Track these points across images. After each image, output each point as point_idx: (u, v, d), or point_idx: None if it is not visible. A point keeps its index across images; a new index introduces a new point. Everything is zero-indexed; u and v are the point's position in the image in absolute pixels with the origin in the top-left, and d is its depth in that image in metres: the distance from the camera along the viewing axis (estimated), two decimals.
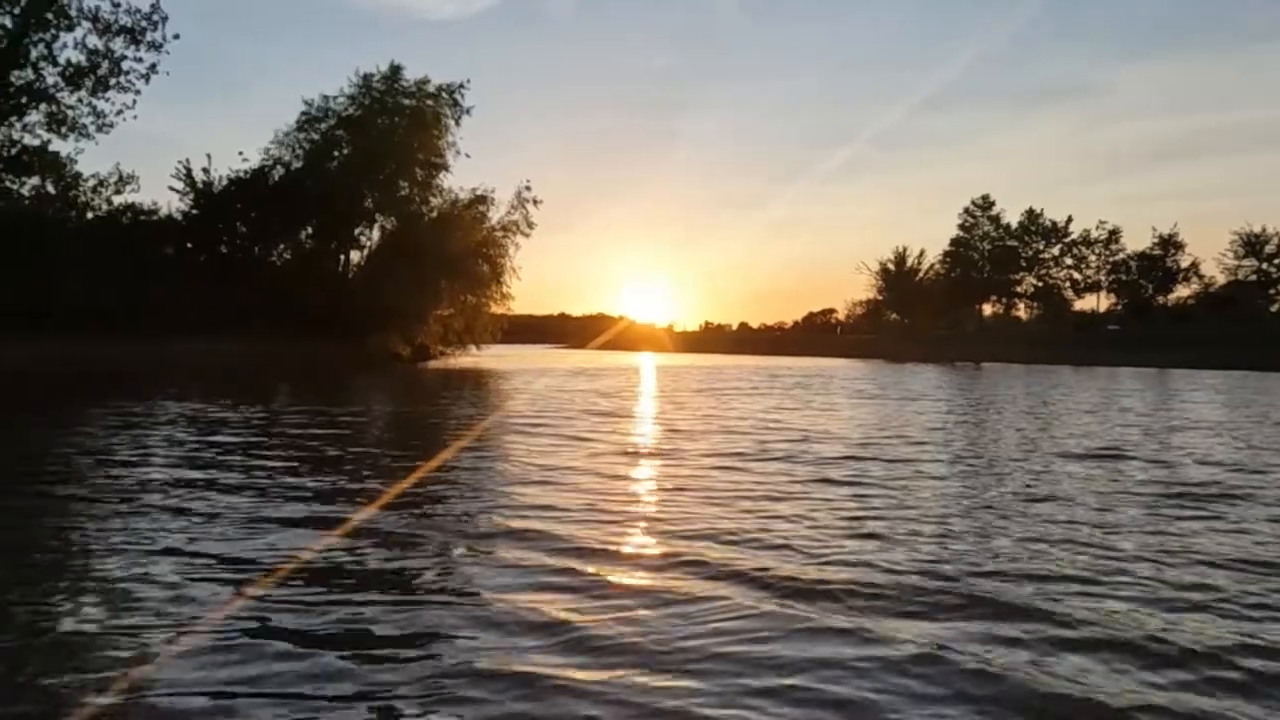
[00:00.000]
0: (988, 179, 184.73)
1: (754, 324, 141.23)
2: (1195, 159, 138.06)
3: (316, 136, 47.27)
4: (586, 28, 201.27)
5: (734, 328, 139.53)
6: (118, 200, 41.10)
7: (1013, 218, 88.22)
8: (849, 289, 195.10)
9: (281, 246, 46.70)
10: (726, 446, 11.49)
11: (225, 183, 45.05)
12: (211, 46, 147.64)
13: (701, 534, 6.27)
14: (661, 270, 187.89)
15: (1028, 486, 8.58)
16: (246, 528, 6.32)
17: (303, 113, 47.40)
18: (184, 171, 44.34)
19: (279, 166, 46.76)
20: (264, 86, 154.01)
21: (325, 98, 47.31)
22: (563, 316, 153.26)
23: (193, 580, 4.97)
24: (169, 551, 5.60)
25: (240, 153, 53.95)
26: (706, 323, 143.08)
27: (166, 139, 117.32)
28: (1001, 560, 5.63)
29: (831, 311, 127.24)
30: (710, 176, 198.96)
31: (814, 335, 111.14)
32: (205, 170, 44.75)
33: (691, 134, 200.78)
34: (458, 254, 45.21)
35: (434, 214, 48.01)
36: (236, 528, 6.31)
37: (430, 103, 47.39)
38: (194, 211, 44.25)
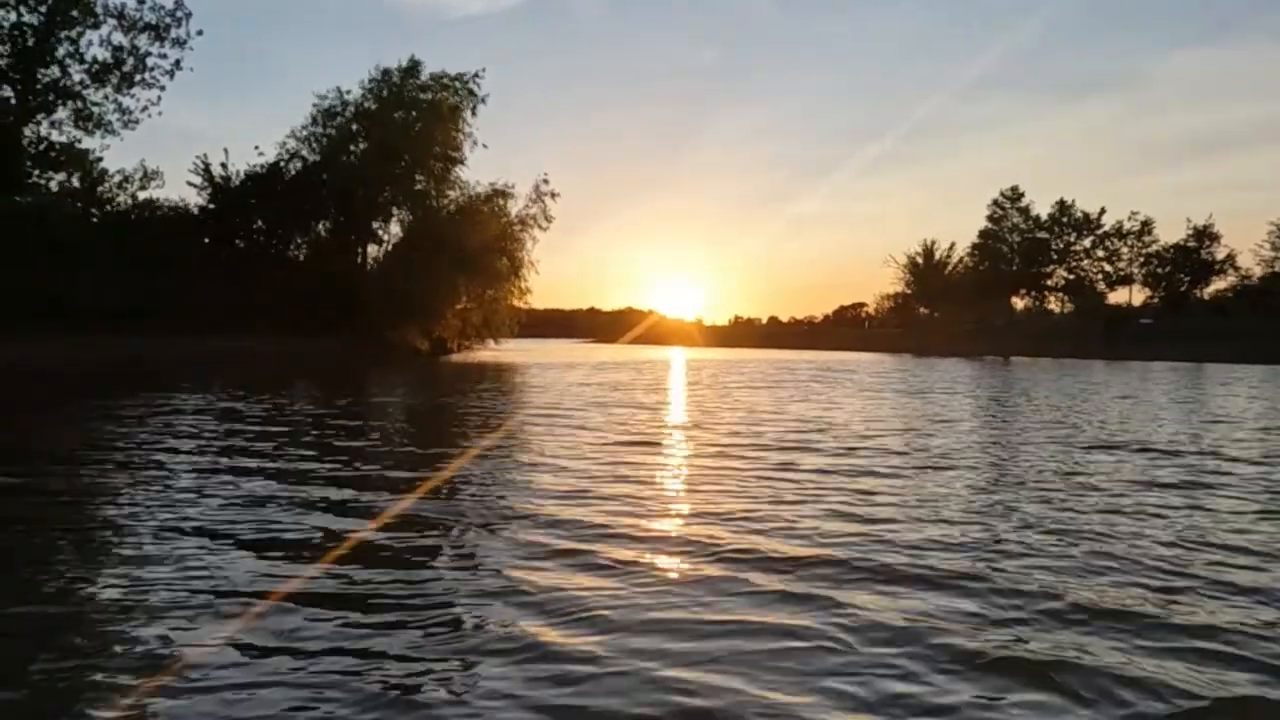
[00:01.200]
0: (1017, 172, 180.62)
1: (784, 318, 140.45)
2: (1232, 150, 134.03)
3: (333, 130, 47.36)
4: (615, 25, 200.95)
5: (763, 322, 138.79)
6: (142, 196, 41.56)
7: (1043, 210, 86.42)
8: (879, 283, 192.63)
9: (299, 241, 46.96)
10: (732, 439, 11.48)
11: (242, 177, 45.15)
12: (237, 43, 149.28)
13: (713, 518, 6.47)
14: (692, 265, 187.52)
15: (1028, 480, 8.29)
16: (272, 514, 6.43)
17: (314, 105, 47.64)
18: (202, 166, 44.56)
19: (295, 160, 46.94)
20: (290, 82, 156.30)
21: (340, 91, 47.51)
22: (592, 311, 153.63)
23: (230, 563, 5.10)
24: (202, 534, 5.75)
25: (256, 147, 54.10)
26: (736, 317, 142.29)
27: (194, 134, 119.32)
28: (989, 547, 5.67)
29: (861, 305, 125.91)
30: (740, 172, 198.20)
31: (843, 329, 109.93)
32: (223, 165, 44.98)
33: (722, 130, 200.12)
34: (475, 248, 45.19)
35: (451, 207, 48.07)
36: (261, 516, 6.39)
37: (446, 94, 47.26)
38: (211, 206, 44.38)
